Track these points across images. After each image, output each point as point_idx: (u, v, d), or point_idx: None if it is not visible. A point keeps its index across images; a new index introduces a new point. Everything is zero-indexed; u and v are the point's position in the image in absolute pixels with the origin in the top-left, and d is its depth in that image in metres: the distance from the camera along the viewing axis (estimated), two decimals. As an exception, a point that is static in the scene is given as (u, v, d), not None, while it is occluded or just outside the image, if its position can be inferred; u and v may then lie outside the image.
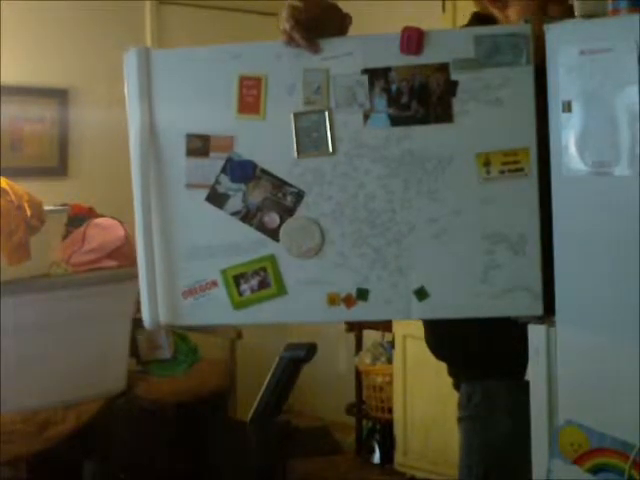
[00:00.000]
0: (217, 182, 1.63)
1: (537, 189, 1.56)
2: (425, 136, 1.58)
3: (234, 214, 1.63)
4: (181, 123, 1.65)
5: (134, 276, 3.61)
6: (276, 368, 1.93)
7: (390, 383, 3.99)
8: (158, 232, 1.67)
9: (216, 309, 1.66)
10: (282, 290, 1.63)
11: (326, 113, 1.59)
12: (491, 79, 1.56)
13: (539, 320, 1.58)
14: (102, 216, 3.64)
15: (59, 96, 4.05)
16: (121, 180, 4.26)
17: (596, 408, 1.52)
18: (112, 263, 3.45)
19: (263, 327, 4.53)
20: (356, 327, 4.24)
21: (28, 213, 3.10)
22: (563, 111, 1.51)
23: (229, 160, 1.62)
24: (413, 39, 1.56)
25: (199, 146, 1.63)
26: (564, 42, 1.50)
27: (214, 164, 1.63)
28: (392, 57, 1.58)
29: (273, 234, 1.62)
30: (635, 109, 1.42)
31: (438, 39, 1.58)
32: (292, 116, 1.60)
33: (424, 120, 1.58)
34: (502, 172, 1.57)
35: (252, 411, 1.93)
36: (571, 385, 1.55)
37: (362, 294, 1.61)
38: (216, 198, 1.64)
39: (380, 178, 1.60)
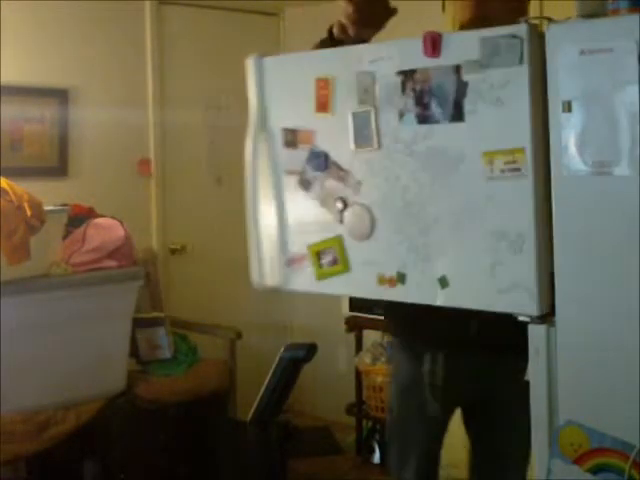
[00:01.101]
0: (304, 170, 1.89)
1: (534, 189, 1.57)
2: (443, 134, 1.67)
3: (315, 198, 1.88)
4: (281, 119, 1.92)
5: (134, 276, 3.62)
6: (276, 368, 1.93)
7: (390, 383, 3.98)
8: (268, 210, 1.94)
9: (306, 279, 1.92)
10: (347, 267, 1.85)
11: (372, 111, 1.74)
12: (494, 79, 1.59)
13: (538, 320, 1.58)
14: (102, 216, 3.64)
15: (59, 96, 4.04)
16: (121, 180, 4.29)
17: (596, 408, 1.52)
18: (112, 263, 3.45)
19: (265, 327, 4.54)
20: (356, 327, 4.24)
21: (28, 213, 3.10)
22: (563, 111, 1.51)
23: (310, 151, 1.87)
24: (430, 42, 1.65)
25: (291, 139, 1.90)
26: (564, 42, 1.50)
27: (301, 154, 1.88)
28: (418, 60, 1.68)
29: (340, 217, 1.84)
30: (635, 109, 1.42)
31: (453, 42, 1.64)
32: (350, 114, 1.79)
33: (442, 119, 1.67)
34: (503, 171, 1.59)
35: (252, 411, 1.93)
36: (571, 385, 1.55)
37: (401, 277, 1.77)
38: (304, 183, 1.90)
39: (412, 172, 1.72)
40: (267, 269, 1.96)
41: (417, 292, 1.76)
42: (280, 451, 1.94)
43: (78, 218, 3.56)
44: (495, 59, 1.58)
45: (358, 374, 4.22)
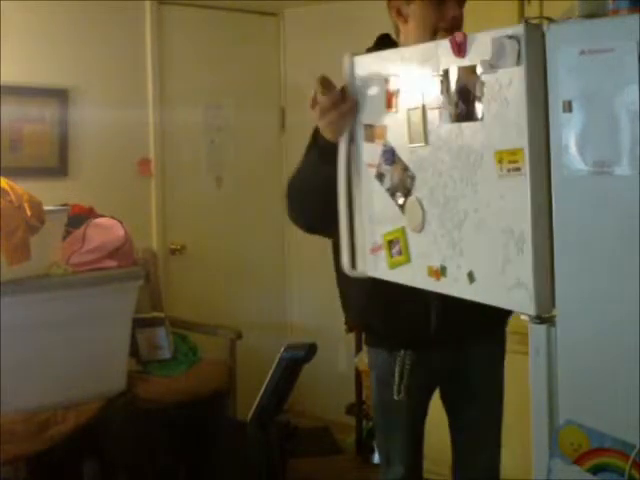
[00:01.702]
0: (379, 163, 1.96)
1: (531, 189, 1.57)
2: (468, 133, 1.70)
3: (387, 190, 1.94)
4: (364, 114, 1.99)
5: (134, 276, 3.61)
6: (276, 368, 1.93)
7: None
8: (357, 201, 2.03)
9: (383, 267, 1.98)
10: (408, 258, 1.91)
11: (420, 109, 1.82)
12: (501, 79, 1.61)
13: (538, 320, 1.58)
14: (102, 216, 3.64)
15: (59, 96, 4.04)
16: (121, 180, 4.28)
17: (596, 408, 1.52)
18: (112, 263, 3.45)
19: (265, 327, 4.54)
20: (356, 327, 4.23)
21: (28, 213, 3.10)
22: (563, 111, 1.51)
23: (383, 146, 1.94)
24: (456, 43, 1.69)
25: (370, 134, 1.98)
26: (564, 42, 1.50)
27: (377, 149, 1.96)
28: (451, 60, 1.71)
29: (402, 209, 1.91)
30: (635, 109, 1.42)
31: (474, 42, 1.66)
32: (406, 111, 1.85)
33: (467, 118, 1.70)
34: (509, 170, 1.60)
35: (252, 411, 1.93)
36: (571, 385, 1.55)
37: (443, 270, 1.81)
38: (379, 176, 1.97)
39: (449, 169, 1.76)
40: (358, 256, 2.04)
41: (455, 286, 1.79)
42: (280, 451, 1.94)
43: (78, 218, 3.56)
44: (500, 59, 1.59)
45: (358, 374, 4.22)
